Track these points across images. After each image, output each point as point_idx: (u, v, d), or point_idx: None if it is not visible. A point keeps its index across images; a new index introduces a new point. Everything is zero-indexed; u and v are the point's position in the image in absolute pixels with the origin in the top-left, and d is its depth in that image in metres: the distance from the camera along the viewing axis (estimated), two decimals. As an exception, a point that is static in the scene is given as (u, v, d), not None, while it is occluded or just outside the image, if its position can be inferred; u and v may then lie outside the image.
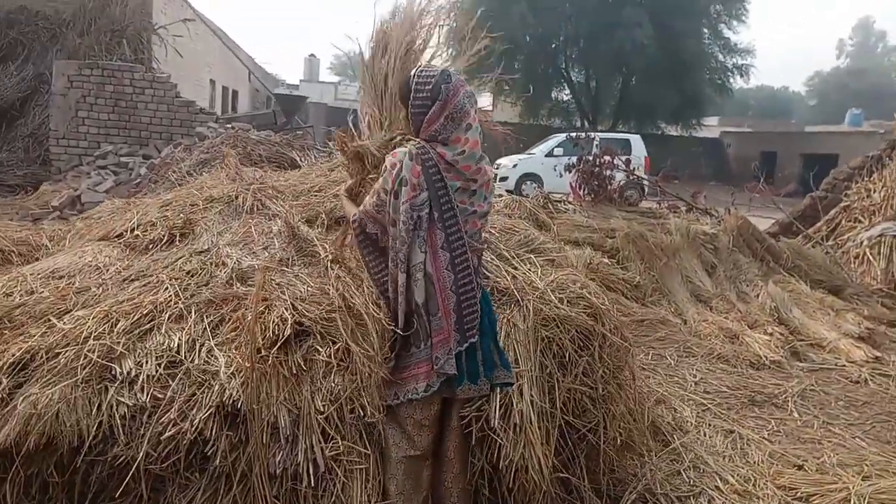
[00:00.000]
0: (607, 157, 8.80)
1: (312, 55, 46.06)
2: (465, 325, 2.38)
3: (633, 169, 9.90)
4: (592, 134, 11.02)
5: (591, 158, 8.73)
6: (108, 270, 3.29)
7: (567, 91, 33.60)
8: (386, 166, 2.45)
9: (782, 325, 6.36)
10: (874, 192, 9.58)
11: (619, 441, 2.92)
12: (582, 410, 2.78)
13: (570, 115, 33.19)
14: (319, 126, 17.84)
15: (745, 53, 31.94)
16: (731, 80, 32.29)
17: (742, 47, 31.92)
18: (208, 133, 9.59)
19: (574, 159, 9.07)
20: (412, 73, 2.52)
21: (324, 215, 4.11)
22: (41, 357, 2.50)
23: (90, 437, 2.35)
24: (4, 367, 2.44)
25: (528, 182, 17.99)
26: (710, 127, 36.17)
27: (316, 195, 4.52)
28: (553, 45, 31.40)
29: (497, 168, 19.63)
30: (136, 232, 3.75)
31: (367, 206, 2.53)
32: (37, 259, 4.14)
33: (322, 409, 2.49)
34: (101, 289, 3.04)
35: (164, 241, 3.62)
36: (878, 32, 70.23)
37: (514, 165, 19.35)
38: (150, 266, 3.29)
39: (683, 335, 6.04)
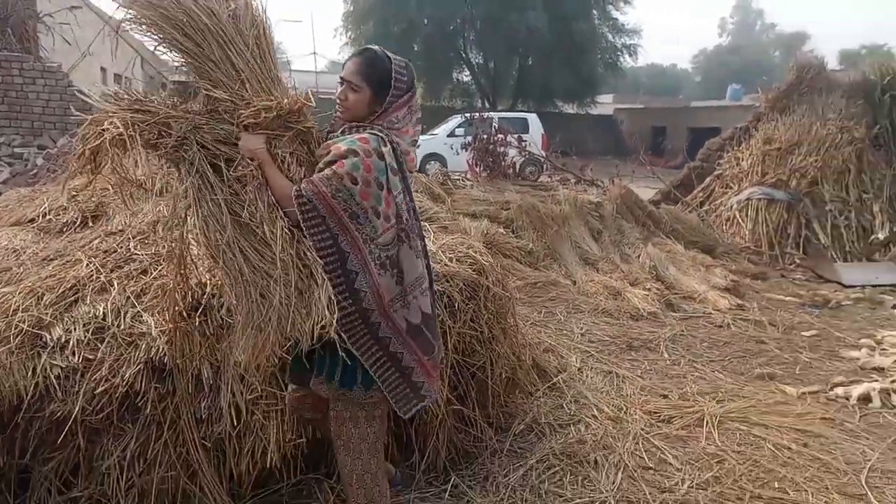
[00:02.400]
0: (500, 136, 9.33)
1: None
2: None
3: (525, 145, 10.48)
4: (489, 114, 11.53)
5: (485, 137, 9.23)
6: (25, 252, 3.47)
7: (467, 73, 34.22)
8: (355, 150, 2.20)
9: (659, 282, 7.05)
10: (742, 160, 10.50)
11: (505, 378, 3.38)
12: (471, 351, 3.22)
13: (471, 95, 33.86)
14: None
15: (633, 34, 33.43)
16: (622, 59, 33.74)
17: (629, 28, 33.38)
18: (105, 122, 9.47)
19: (470, 138, 9.55)
20: (379, 54, 2.39)
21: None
22: (-28, 329, 2.72)
23: (28, 397, 2.60)
24: (-61, 340, 2.65)
25: (432, 162, 18.42)
26: (605, 105, 37.65)
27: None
28: (451, 28, 31.87)
29: (400, 149, 20.00)
30: (48, 216, 3.92)
31: (320, 185, 2.17)
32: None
33: (240, 361, 2.82)
34: (21, 268, 3.24)
35: (78, 223, 3.82)
36: (756, 10, 74.52)
37: (418, 146, 19.76)
38: (66, 246, 3.50)
39: (572, 294, 6.62)
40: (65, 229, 3.76)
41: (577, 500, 3.05)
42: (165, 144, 2.26)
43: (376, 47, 2.43)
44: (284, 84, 2.43)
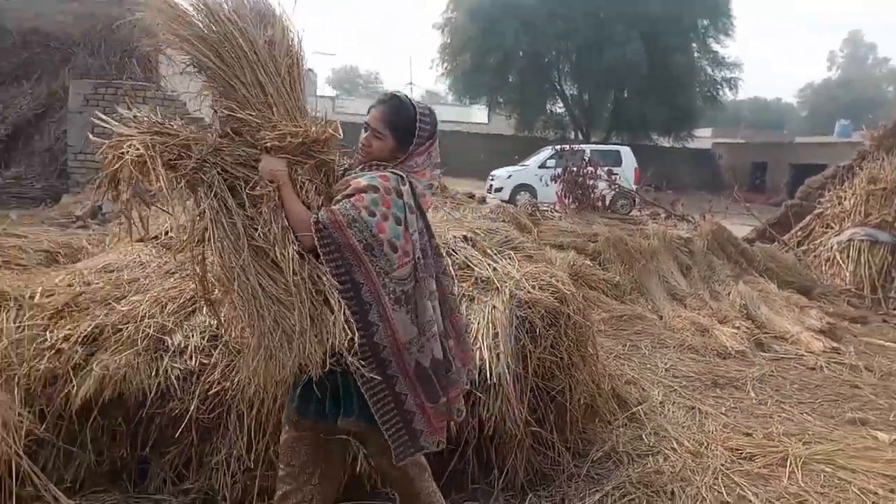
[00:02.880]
0: (590, 168, 9.42)
1: (310, 69, 46.79)
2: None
3: (616, 178, 10.52)
4: (580, 146, 11.63)
5: (574, 169, 9.35)
6: (150, 265, 3.86)
7: (561, 104, 34.36)
8: (376, 187, 2.24)
9: (749, 321, 6.94)
10: (844, 199, 10.17)
11: (584, 404, 3.49)
12: (551, 376, 3.36)
13: (564, 127, 33.93)
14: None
15: (734, 67, 32.76)
16: (721, 92, 33.08)
17: (730, 61, 32.75)
18: (218, 147, 10.16)
19: (560, 170, 9.70)
20: (404, 101, 2.44)
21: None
22: (107, 332, 3.08)
23: (151, 394, 2.92)
24: (79, 339, 3.02)
25: (522, 192, 18.61)
26: (704, 138, 36.89)
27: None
28: (546, 60, 32.16)
29: (492, 179, 20.31)
30: (169, 234, 4.32)
31: (337, 215, 2.19)
32: (79, 259, 4.71)
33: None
34: (147, 280, 3.62)
35: (196, 241, 4.19)
36: (868, 44, 71.40)
37: (509, 176, 20.02)
38: (185, 262, 3.86)
39: (658, 329, 6.61)
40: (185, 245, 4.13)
41: (652, 529, 3.11)
42: (185, 166, 2.24)
43: (402, 94, 2.47)
44: (310, 115, 2.42)
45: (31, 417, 2.73)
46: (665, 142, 33.90)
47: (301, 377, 2.20)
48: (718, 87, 32.89)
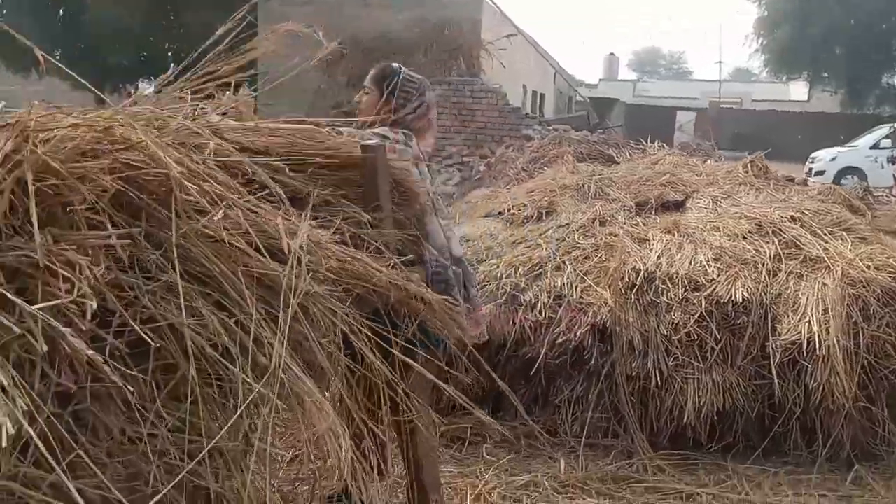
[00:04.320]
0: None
1: (612, 54, 46.78)
2: None
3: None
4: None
5: (918, 149, 8.43)
6: (499, 236, 4.56)
7: (900, 76, 30.16)
8: (386, 136, 2.52)
9: None
10: None
11: (921, 386, 3.41)
12: (885, 354, 3.35)
13: (904, 102, 29.75)
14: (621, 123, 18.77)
15: None
16: None
17: None
18: (534, 134, 11.00)
19: (898, 150, 8.80)
20: (393, 67, 2.73)
21: (652, 200, 5.02)
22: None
23: (510, 340, 3.56)
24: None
25: (848, 176, 16.91)
26: None
27: (644, 184, 5.44)
28: (884, 27, 28.42)
29: (812, 162, 18.70)
30: (511, 211, 5.01)
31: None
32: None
33: (667, 334, 3.43)
34: (499, 248, 4.31)
35: (534, 217, 4.82)
36: None
37: (833, 158, 18.27)
38: (528, 234, 4.50)
39: None
40: (525, 221, 4.78)
41: None
42: None
43: (395, 65, 2.76)
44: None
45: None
46: None
47: None
48: None
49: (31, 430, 1.14)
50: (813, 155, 19.02)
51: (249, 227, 1.62)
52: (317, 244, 1.78)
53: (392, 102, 2.64)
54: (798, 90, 35.68)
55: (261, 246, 1.63)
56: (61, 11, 19.49)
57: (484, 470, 3.18)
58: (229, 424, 1.46)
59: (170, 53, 20.38)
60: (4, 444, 1.06)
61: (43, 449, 1.17)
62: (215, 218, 1.56)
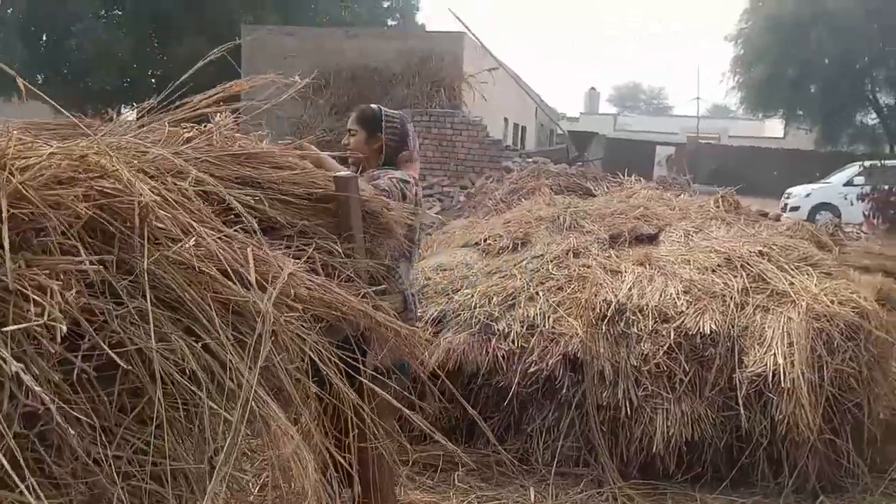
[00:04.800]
0: (906, 186, 8.65)
1: (593, 88, 47.47)
2: None
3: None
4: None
5: (885, 188, 8.66)
6: (474, 266, 4.61)
7: (873, 114, 30.83)
8: (406, 179, 2.64)
9: None
10: None
11: (882, 419, 3.49)
12: (848, 387, 3.43)
13: (877, 140, 30.37)
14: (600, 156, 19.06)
15: None
16: None
17: None
18: (513, 166, 11.15)
19: (869, 188, 9.02)
20: (373, 108, 2.85)
21: (626, 233, 5.11)
22: (449, 316, 3.84)
23: (483, 369, 3.60)
24: (429, 321, 3.80)
25: (822, 212, 17.21)
26: None
27: (618, 217, 5.55)
28: (857, 67, 29.14)
29: (787, 198, 19.04)
30: (487, 241, 5.08)
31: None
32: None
33: (637, 365, 3.49)
34: (474, 277, 4.36)
35: (509, 247, 4.88)
36: None
37: (808, 195, 18.61)
38: (503, 264, 4.56)
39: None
40: (500, 252, 4.85)
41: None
42: None
43: (374, 106, 2.87)
44: None
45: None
46: None
47: None
48: None
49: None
50: (788, 191, 19.37)
51: (221, 255, 1.66)
52: (286, 272, 1.82)
53: (382, 142, 2.75)
54: (774, 127, 36.39)
55: (230, 273, 1.67)
56: (44, 37, 19.53)
57: (455, 497, 3.19)
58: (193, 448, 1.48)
59: (153, 80, 20.45)
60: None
61: (8, 468, 1.19)
62: (186, 245, 1.61)
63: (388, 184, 2.55)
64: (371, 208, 2.35)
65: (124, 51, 18.96)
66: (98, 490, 1.37)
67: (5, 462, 1.19)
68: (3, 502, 1.24)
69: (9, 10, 19.48)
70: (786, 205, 18.60)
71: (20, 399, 1.26)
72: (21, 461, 1.22)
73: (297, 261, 1.95)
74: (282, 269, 1.81)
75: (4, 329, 1.23)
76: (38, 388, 1.25)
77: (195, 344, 1.55)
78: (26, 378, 1.23)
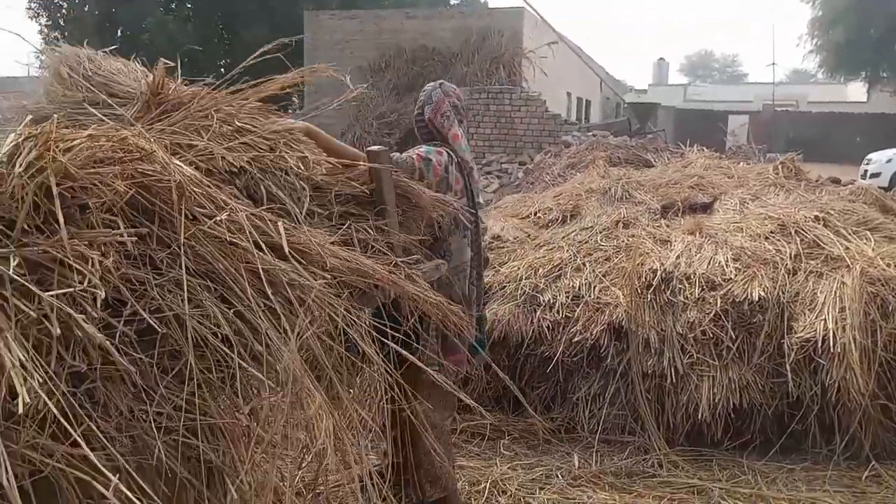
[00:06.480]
0: None
1: (661, 59, 46.12)
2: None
3: None
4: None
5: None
6: (522, 239, 4.66)
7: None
8: (430, 158, 2.56)
9: None
10: None
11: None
12: (903, 352, 3.34)
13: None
14: (669, 128, 18.59)
15: None
16: None
17: None
18: (572, 141, 11.02)
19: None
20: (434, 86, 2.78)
21: (679, 202, 5.06)
22: (494, 288, 3.90)
23: (527, 339, 3.66)
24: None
25: (905, 178, 16.34)
26: None
27: (672, 187, 5.48)
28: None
29: (867, 163, 18.14)
30: (538, 214, 5.11)
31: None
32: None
33: (682, 333, 3.48)
34: (522, 249, 4.41)
35: (559, 220, 4.91)
36: None
37: (889, 160, 17.67)
38: (552, 236, 4.59)
39: None
40: (550, 224, 4.88)
41: None
42: None
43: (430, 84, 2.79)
44: None
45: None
46: None
47: None
48: None
49: (50, 403, 1.32)
50: (868, 157, 18.42)
51: (252, 229, 1.78)
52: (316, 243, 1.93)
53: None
54: (857, 91, 34.63)
55: (262, 244, 1.79)
56: (119, 31, 20.34)
57: (501, 463, 3.28)
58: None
59: (222, 68, 21.05)
60: (21, 410, 1.23)
61: (62, 419, 1.34)
62: (220, 219, 1.73)
63: (400, 157, 2.52)
64: (404, 186, 2.43)
65: (193, 42, 19.56)
66: (140, 443, 1.52)
67: (58, 414, 1.34)
68: (56, 453, 1.39)
69: (85, 8, 20.38)
70: (865, 171, 17.72)
71: (67, 360, 1.42)
72: (70, 416, 1.38)
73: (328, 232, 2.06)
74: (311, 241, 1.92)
75: (49, 293, 1.37)
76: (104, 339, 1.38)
77: (227, 310, 1.67)
78: (88, 327, 1.37)
